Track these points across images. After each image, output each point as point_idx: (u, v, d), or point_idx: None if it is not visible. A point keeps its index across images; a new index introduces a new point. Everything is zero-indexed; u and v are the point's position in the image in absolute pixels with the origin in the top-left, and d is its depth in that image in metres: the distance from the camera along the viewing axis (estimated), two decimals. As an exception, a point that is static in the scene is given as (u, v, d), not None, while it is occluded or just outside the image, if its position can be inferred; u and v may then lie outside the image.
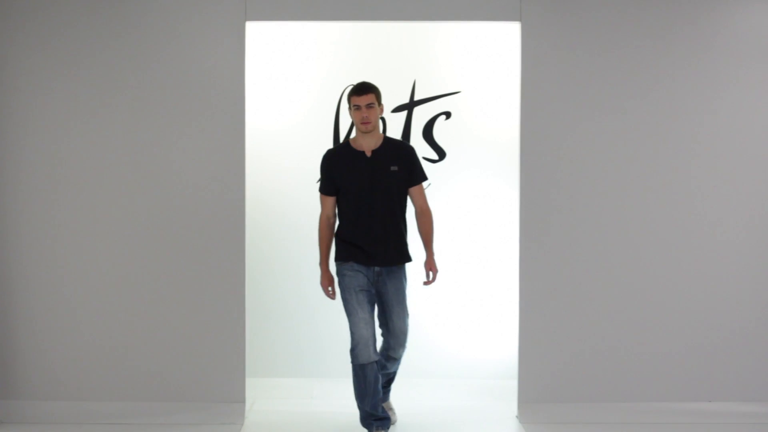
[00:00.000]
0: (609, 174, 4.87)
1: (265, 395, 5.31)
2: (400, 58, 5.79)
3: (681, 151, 4.88)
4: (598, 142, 4.86)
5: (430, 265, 4.56)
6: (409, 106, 5.81)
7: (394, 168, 4.41)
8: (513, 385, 5.10)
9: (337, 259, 4.48)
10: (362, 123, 4.39)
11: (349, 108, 4.45)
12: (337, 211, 4.52)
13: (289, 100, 5.79)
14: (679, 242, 4.89)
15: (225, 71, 4.80)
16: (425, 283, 4.57)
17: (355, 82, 4.53)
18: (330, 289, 4.52)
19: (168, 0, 4.79)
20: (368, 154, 4.43)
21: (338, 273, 4.47)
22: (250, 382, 5.09)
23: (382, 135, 4.51)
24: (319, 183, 4.53)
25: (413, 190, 4.51)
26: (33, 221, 4.82)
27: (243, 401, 4.84)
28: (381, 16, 4.88)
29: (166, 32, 4.79)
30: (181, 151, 4.81)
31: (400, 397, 5.06)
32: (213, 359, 4.84)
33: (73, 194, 4.82)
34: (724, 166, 4.90)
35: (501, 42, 5.72)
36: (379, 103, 4.45)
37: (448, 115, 5.82)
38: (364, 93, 4.38)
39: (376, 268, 4.44)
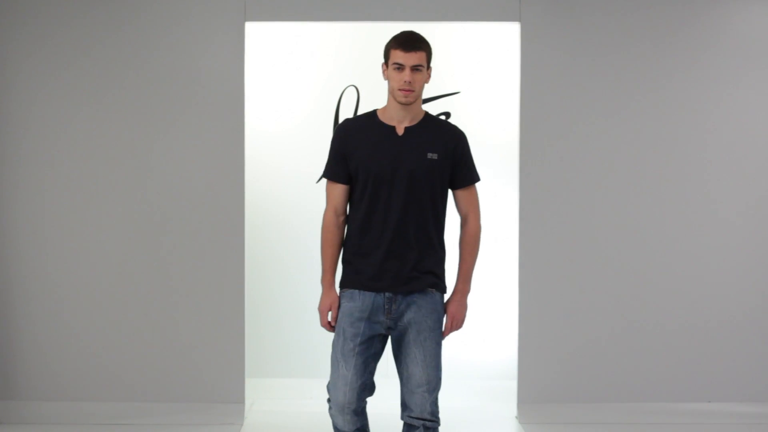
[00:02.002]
0: (608, 174, 4.87)
1: (264, 395, 5.31)
2: (399, 58, 5.79)
3: (681, 151, 4.89)
4: (597, 143, 4.86)
5: (455, 310, 3.30)
6: (409, 107, 5.81)
7: (432, 155, 3.19)
8: (512, 385, 5.10)
9: (339, 286, 3.34)
10: (401, 90, 3.13)
11: (385, 65, 3.19)
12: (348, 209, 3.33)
13: (289, 102, 5.79)
14: (678, 242, 4.89)
15: (224, 72, 4.80)
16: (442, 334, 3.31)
17: (400, 31, 3.22)
18: (330, 315, 3.33)
19: (167, 0, 4.80)
20: (399, 131, 3.21)
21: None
22: (249, 383, 5.09)
23: (423, 111, 3.29)
24: (325, 167, 3.35)
25: (461, 193, 3.30)
26: (32, 221, 4.82)
27: (242, 401, 4.85)
28: (381, 16, 4.88)
29: (165, 32, 4.79)
30: (180, 152, 4.81)
31: (399, 397, 5.05)
32: (212, 360, 4.84)
33: (72, 195, 4.82)
34: (725, 167, 4.90)
35: (500, 42, 5.72)
36: (428, 66, 3.20)
37: (447, 115, 5.82)
38: (412, 49, 3.11)
39: (388, 294, 3.20)
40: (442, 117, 5.81)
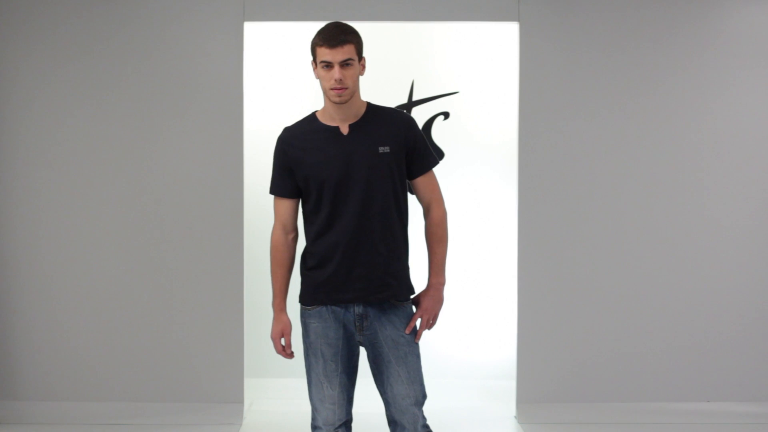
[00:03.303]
0: (607, 174, 4.87)
1: (263, 395, 5.31)
2: (398, 58, 5.79)
3: (680, 150, 4.89)
4: (596, 142, 4.86)
5: (430, 306, 3.08)
6: (408, 107, 5.81)
7: (384, 149, 3.00)
8: (511, 385, 5.10)
9: (300, 301, 3.11)
10: (333, 89, 2.94)
11: (314, 63, 2.98)
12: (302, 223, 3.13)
13: (288, 102, 5.79)
14: (677, 242, 4.89)
15: (223, 72, 4.80)
16: (414, 333, 3.08)
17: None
18: (282, 342, 3.09)
19: (166, 0, 4.79)
20: (344, 130, 3.03)
21: (302, 322, 3.10)
22: (248, 383, 5.09)
23: (365, 102, 3.10)
24: (270, 183, 3.13)
25: (420, 181, 3.12)
26: (30, 220, 4.82)
27: (241, 402, 4.85)
28: (380, 16, 4.88)
29: (164, 32, 4.79)
30: (179, 152, 4.81)
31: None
32: (211, 360, 4.84)
33: (70, 195, 4.82)
34: (724, 166, 4.90)
35: (499, 42, 5.72)
36: (360, 58, 2.99)
37: (446, 115, 5.82)
38: (339, 44, 2.90)
39: (357, 308, 3.02)
40: (441, 117, 5.81)
